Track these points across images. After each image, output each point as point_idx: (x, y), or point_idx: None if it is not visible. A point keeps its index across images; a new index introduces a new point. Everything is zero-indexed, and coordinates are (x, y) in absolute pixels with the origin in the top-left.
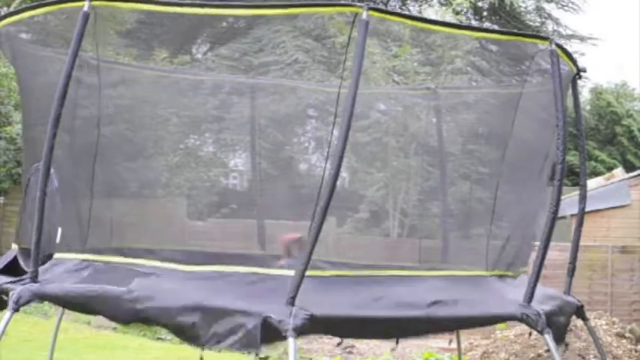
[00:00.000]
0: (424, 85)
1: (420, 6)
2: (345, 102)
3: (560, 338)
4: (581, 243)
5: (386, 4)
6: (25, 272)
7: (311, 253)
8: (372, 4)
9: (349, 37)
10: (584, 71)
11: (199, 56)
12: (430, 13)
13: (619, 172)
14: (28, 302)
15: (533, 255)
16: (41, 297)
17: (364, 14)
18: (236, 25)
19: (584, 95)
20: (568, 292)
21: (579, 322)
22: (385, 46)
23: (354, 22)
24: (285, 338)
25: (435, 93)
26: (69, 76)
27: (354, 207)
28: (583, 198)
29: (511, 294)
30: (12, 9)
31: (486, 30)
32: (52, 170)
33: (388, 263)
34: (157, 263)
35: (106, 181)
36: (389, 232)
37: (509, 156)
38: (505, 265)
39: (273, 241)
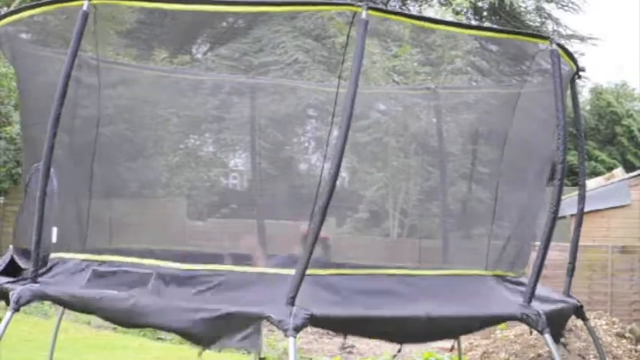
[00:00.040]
0: (424, 85)
1: (420, 6)
2: (345, 102)
3: (556, 338)
4: (581, 243)
5: (386, 4)
6: (22, 270)
7: (311, 252)
8: (371, 4)
9: (348, 37)
10: (583, 70)
11: (199, 56)
12: (430, 13)
13: (619, 172)
14: (28, 302)
15: (533, 255)
16: (41, 297)
17: (363, 13)
18: (236, 25)
19: (584, 95)
20: (568, 292)
21: (579, 322)
22: (385, 46)
23: (352, 21)
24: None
25: (435, 93)
26: (68, 76)
27: (354, 207)
28: (582, 198)
29: (511, 294)
30: (12, 9)
31: (487, 29)
32: (51, 170)
33: (388, 263)
34: (157, 262)
35: (106, 181)
36: (389, 232)
37: (509, 156)
38: (506, 265)
39: (273, 241)
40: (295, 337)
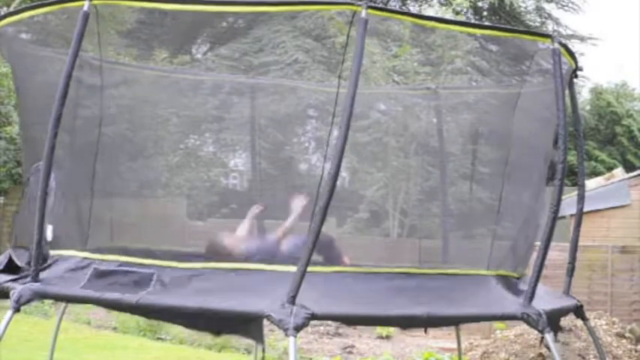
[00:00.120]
0: (424, 85)
1: (420, 6)
2: (345, 101)
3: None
4: (581, 243)
5: (386, 4)
6: (20, 269)
7: (311, 252)
8: (371, 3)
9: (348, 36)
10: (581, 70)
11: (199, 56)
12: (430, 13)
13: (619, 172)
14: (29, 301)
15: (534, 255)
16: (42, 296)
17: (363, 12)
18: (236, 25)
19: (584, 95)
20: (567, 292)
21: (579, 322)
22: (385, 46)
23: (352, 20)
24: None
25: (435, 93)
26: (69, 76)
27: (354, 207)
28: (581, 198)
29: (512, 294)
30: (12, 9)
31: (488, 27)
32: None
33: (388, 263)
34: (157, 261)
35: (106, 181)
36: (389, 232)
37: (510, 155)
38: (507, 266)
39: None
40: (296, 336)
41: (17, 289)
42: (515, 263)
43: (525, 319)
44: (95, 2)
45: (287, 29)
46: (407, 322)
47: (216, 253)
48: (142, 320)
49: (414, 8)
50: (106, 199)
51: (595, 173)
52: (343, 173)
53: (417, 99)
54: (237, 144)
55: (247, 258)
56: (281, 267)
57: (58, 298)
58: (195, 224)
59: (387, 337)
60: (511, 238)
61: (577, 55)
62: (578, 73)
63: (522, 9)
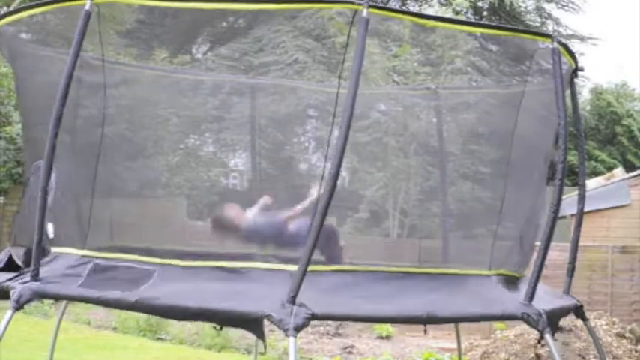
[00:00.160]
0: (424, 85)
1: (420, 6)
2: (346, 101)
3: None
4: (581, 243)
5: (386, 4)
6: (20, 266)
7: (311, 252)
8: (372, 2)
9: (348, 36)
10: (582, 70)
11: (199, 56)
12: (430, 13)
13: (619, 172)
14: (29, 301)
15: (534, 255)
16: (42, 296)
17: (364, 12)
18: (236, 25)
19: (584, 95)
20: (567, 291)
21: (579, 322)
22: (385, 46)
23: (353, 19)
24: None
25: (435, 93)
26: (70, 76)
27: (354, 207)
28: (582, 198)
29: (512, 293)
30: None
31: (489, 26)
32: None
33: (388, 263)
34: (157, 259)
35: (106, 181)
36: (389, 232)
37: (511, 155)
38: (508, 265)
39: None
40: (296, 336)
41: (17, 288)
42: (516, 263)
43: (525, 318)
44: (97, 1)
45: (287, 29)
46: (407, 322)
47: (222, 225)
48: (142, 320)
49: (414, 8)
50: (106, 199)
51: (595, 173)
52: (343, 173)
53: (417, 99)
54: (237, 144)
55: (253, 232)
56: (281, 266)
57: (58, 297)
58: (195, 224)
59: (387, 337)
60: (511, 237)
61: (577, 55)
62: (579, 73)
63: (522, 9)
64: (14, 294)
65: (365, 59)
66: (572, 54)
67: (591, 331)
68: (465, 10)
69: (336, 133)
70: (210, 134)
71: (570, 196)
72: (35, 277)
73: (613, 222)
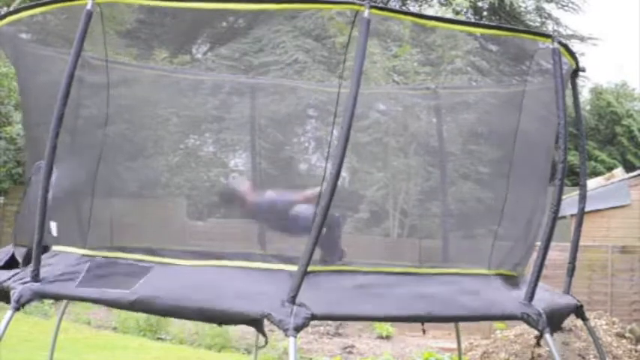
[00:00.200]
0: (424, 85)
1: (420, 6)
2: (347, 101)
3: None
4: (581, 243)
5: (386, 4)
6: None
7: (312, 252)
8: (373, 3)
9: (349, 37)
10: (583, 70)
11: (199, 56)
12: (430, 13)
13: (619, 172)
14: (29, 301)
15: (534, 255)
16: (42, 296)
17: (366, 12)
18: (236, 25)
19: (584, 95)
20: (567, 292)
21: (579, 322)
22: (385, 46)
23: (355, 20)
24: None
25: (435, 93)
26: (72, 76)
27: (354, 207)
28: (583, 198)
29: (512, 293)
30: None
31: (488, 26)
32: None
33: (389, 263)
34: (157, 259)
35: (106, 181)
36: (389, 232)
37: (512, 155)
38: (508, 265)
39: (273, 241)
40: (296, 337)
41: (17, 289)
42: (516, 263)
43: (525, 318)
44: (99, 1)
45: (287, 29)
46: (407, 321)
47: (230, 198)
48: (142, 320)
49: (414, 8)
50: (105, 199)
51: (595, 173)
52: (343, 173)
53: (417, 99)
54: (237, 144)
55: (259, 209)
56: (281, 266)
57: (58, 297)
58: (195, 224)
59: (387, 337)
60: (511, 237)
61: (577, 55)
62: (580, 73)
63: (522, 9)
64: (14, 294)
65: (365, 59)
66: (573, 54)
67: (591, 331)
68: (465, 10)
69: (336, 133)
70: (210, 134)
71: (570, 196)
72: (35, 277)
73: (613, 222)
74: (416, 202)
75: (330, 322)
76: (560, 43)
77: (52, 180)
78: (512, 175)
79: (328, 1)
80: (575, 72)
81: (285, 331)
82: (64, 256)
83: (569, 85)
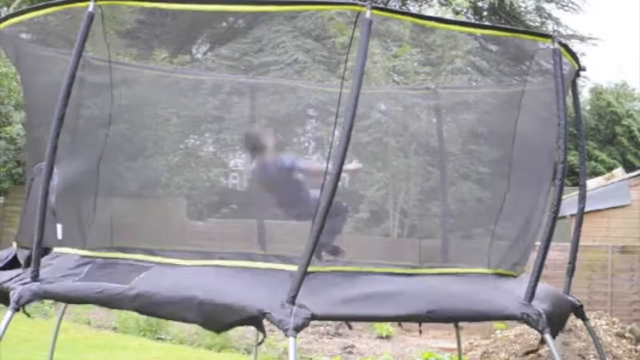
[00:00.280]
0: (424, 85)
1: (420, 6)
2: (348, 101)
3: (553, 336)
4: (581, 243)
5: (386, 4)
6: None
7: (312, 253)
8: (374, 4)
9: (351, 37)
10: (584, 70)
11: (199, 56)
12: (430, 13)
13: (619, 172)
14: (29, 302)
15: (534, 255)
16: (42, 296)
17: (367, 13)
18: (236, 25)
19: (584, 95)
20: (567, 292)
21: (579, 322)
22: (385, 46)
23: (356, 20)
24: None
25: (435, 93)
26: (73, 77)
27: (354, 207)
28: (582, 198)
29: (512, 293)
30: (12, 9)
31: (487, 27)
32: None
33: (389, 263)
34: (157, 259)
35: (106, 181)
36: (389, 232)
37: (512, 155)
38: (508, 265)
39: (273, 241)
40: (295, 337)
41: (17, 289)
42: (515, 263)
43: (525, 318)
44: (100, 3)
45: (287, 29)
46: (407, 321)
47: (254, 143)
48: (142, 320)
49: (414, 8)
50: (106, 199)
51: (595, 173)
52: (344, 173)
53: (417, 99)
54: (237, 144)
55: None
56: (281, 266)
57: (57, 298)
58: (195, 224)
59: (387, 337)
60: (511, 237)
61: (577, 55)
62: (581, 73)
63: (522, 9)
64: (14, 295)
65: (366, 59)
66: (573, 55)
67: (591, 331)
68: (464, 10)
69: (337, 133)
70: (210, 134)
71: (570, 196)
72: (35, 277)
73: (613, 222)
74: (416, 202)
75: (330, 322)
76: (560, 43)
77: (54, 184)
78: (512, 175)
79: (330, 2)
80: (577, 72)
81: (285, 331)
82: (64, 258)
83: (571, 86)
